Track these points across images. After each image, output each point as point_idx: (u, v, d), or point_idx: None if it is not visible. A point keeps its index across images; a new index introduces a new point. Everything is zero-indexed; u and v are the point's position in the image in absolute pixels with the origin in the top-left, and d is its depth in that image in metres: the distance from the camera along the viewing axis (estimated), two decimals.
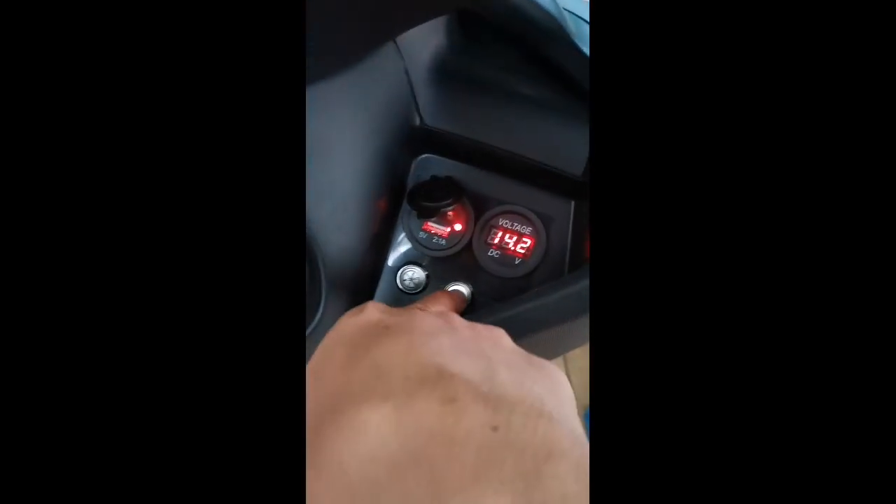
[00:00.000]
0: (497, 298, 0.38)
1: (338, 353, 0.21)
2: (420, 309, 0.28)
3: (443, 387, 0.17)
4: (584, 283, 0.30)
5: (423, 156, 0.38)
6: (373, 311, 0.23)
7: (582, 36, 0.34)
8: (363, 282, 0.36)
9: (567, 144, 0.35)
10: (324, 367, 0.21)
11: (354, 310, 0.24)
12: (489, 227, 0.37)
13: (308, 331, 0.33)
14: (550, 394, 0.19)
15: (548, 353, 0.55)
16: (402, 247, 0.39)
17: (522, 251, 0.37)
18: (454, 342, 0.20)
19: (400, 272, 0.38)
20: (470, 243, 0.38)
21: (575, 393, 0.21)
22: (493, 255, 0.37)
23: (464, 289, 0.37)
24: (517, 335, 0.33)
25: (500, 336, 0.23)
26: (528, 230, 0.37)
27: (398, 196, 0.38)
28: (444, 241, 0.38)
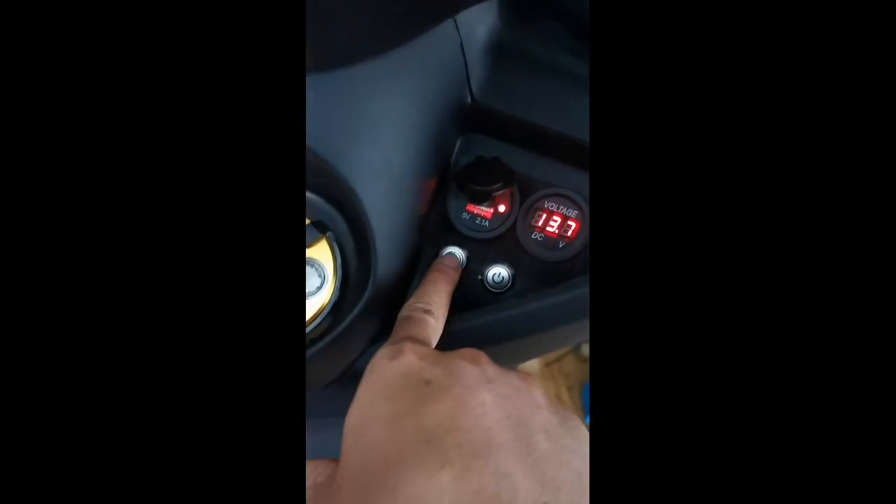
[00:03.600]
0: (539, 282, 0.37)
1: (381, 409, 0.21)
2: (424, 309, 0.29)
3: (495, 460, 0.18)
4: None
5: (469, 135, 0.37)
6: (411, 357, 0.23)
7: None
8: (408, 264, 0.36)
9: None
10: (367, 425, 0.21)
11: (389, 350, 0.24)
12: (534, 210, 0.37)
13: (354, 313, 0.32)
14: (582, 459, 0.20)
15: (539, 351, 0.55)
16: (442, 227, 0.38)
17: (567, 234, 0.37)
18: (494, 400, 0.21)
19: (441, 254, 0.38)
20: (513, 225, 0.37)
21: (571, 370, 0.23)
22: (536, 238, 0.37)
23: (457, 252, 0.37)
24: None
25: (533, 390, 0.23)
26: (573, 213, 0.37)
27: (444, 175, 0.37)
28: (487, 223, 0.37)
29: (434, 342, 0.29)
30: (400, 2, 0.26)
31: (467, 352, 0.25)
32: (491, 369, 0.23)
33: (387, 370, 0.23)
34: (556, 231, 0.37)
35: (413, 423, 0.20)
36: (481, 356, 0.24)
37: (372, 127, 0.29)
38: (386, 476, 0.18)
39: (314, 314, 0.32)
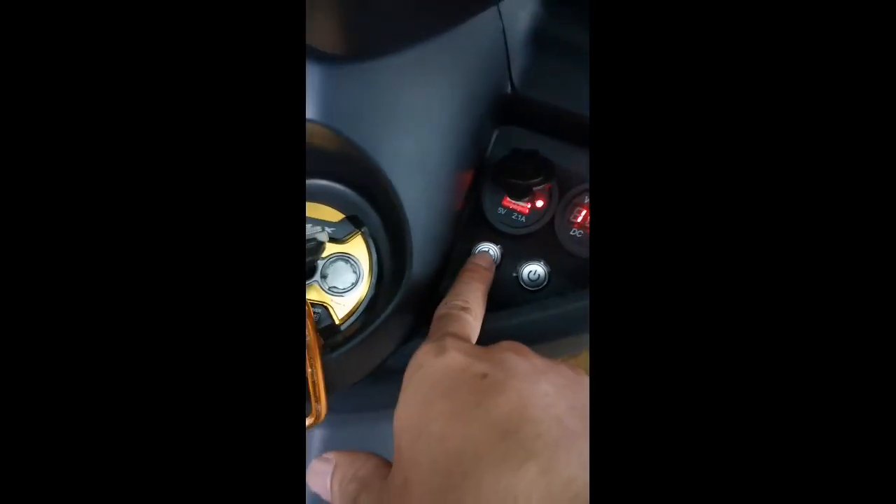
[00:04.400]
0: (575, 280, 0.36)
1: (438, 406, 0.20)
2: (462, 306, 0.28)
3: (578, 449, 0.17)
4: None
5: (504, 127, 0.36)
6: (456, 353, 0.22)
7: None
8: (442, 261, 0.34)
9: None
10: (425, 423, 0.20)
11: (433, 347, 0.23)
12: (573, 205, 0.35)
13: (388, 310, 0.31)
14: None
15: (569, 352, 0.55)
16: (476, 222, 0.37)
17: None
18: (555, 390, 0.20)
19: (474, 251, 0.37)
20: (551, 221, 0.36)
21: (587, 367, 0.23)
22: (575, 235, 0.36)
23: (492, 250, 0.36)
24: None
25: (584, 379, 0.22)
26: None
27: (479, 169, 0.35)
28: (523, 219, 0.36)
29: (474, 340, 0.28)
30: None
31: (509, 344, 0.24)
32: (539, 361, 0.23)
33: (434, 367, 0.22)
34: None
35: (481, 416, 0.19)
36: (524, 348, 0.24)
37: (410, 118, 0.28)
38: (463, 473, 0.17)
39: (349, 311, 0.31)
